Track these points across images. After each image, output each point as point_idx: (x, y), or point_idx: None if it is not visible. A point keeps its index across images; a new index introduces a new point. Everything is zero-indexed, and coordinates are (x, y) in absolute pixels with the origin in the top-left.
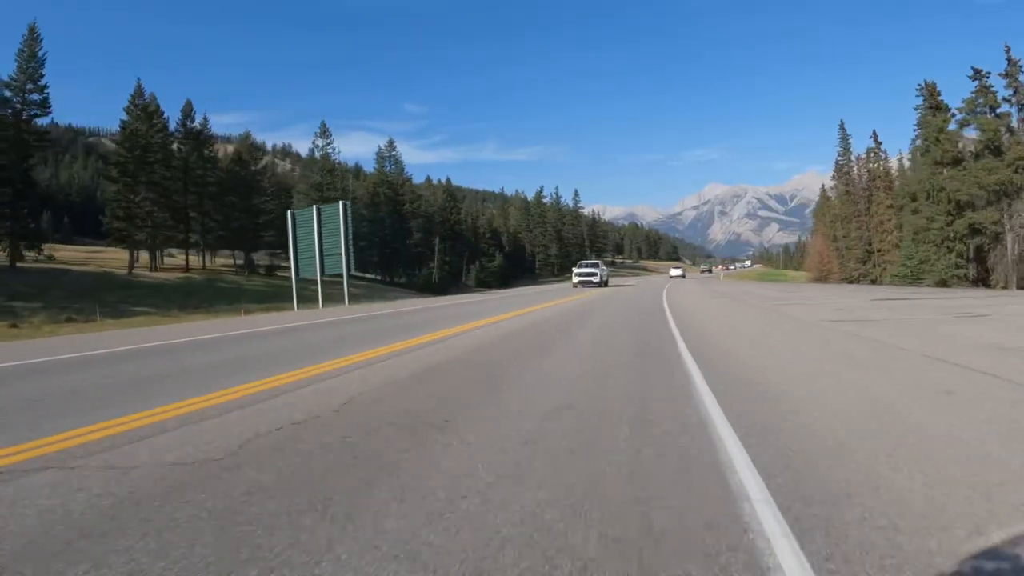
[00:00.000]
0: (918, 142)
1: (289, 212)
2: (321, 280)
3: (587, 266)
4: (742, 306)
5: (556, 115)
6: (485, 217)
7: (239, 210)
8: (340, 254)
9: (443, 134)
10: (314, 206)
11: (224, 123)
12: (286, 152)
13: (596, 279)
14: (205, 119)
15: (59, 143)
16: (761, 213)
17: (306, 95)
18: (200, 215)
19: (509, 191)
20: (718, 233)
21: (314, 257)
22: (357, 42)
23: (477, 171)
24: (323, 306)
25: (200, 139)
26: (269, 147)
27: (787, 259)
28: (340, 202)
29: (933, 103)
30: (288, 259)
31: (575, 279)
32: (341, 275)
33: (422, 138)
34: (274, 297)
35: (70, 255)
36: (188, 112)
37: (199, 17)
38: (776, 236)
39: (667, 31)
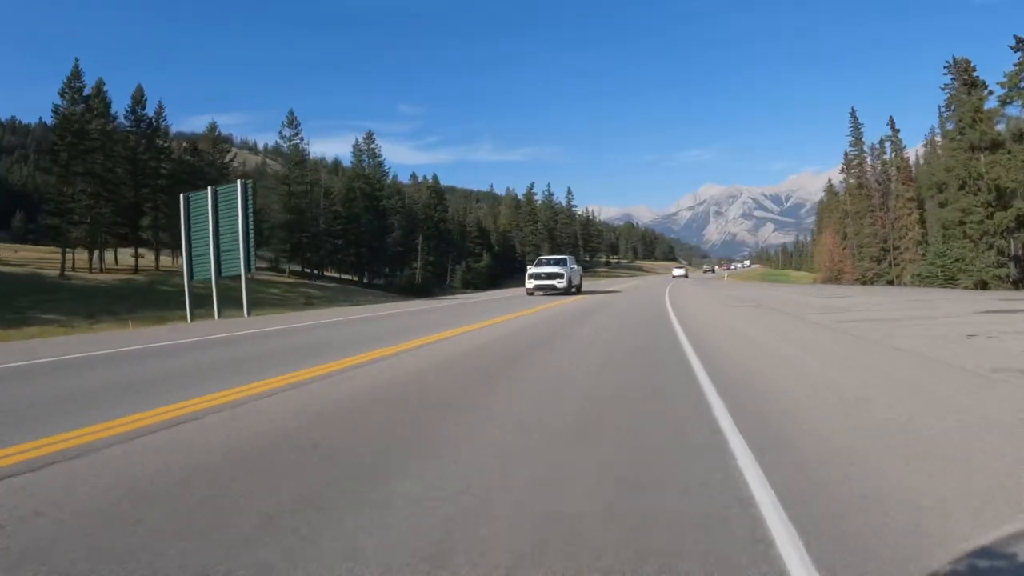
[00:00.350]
0: (942, 127)
1: (182, 195)
2: (248, 280)
3: (548, 264)
4: (800, 324)
5: (551, 116)
6: (474, 216)
7: None
8: (239, 249)
9: (438, 135)
10: (209, 187)
11: (220, 123)
12: (278, 152)
13: (561, 283)
14: (160, 107)
15: (43, 142)
16: (757, 213)
17: (302, 96)
18: (152, 210)
19: (502, 191)
20: (714, 233)
21: (209, 254)
22: (353, 42)
23: (474, 172)
24: (219, 317)
25: (153, 128)
26: (260, 147)
27: (786, 259)
28: (239, 180)
29: (967, 80)
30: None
31: (529, 284)
32: (240, 275)
33: (417, 139)
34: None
35: (27, 255)
36: (139, 99)
37: (196, 17)
38: (771, 236)
39: (664, 32)
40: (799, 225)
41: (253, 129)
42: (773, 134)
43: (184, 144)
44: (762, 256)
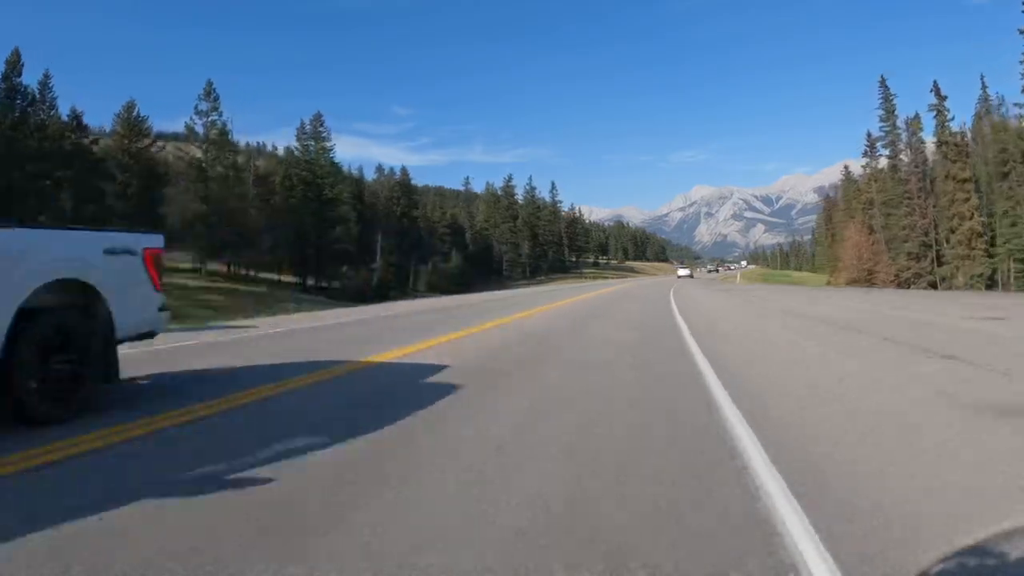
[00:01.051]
0: (984, 100)
1: None
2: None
3: None
4: None
5: (544, 117)
6: (448, 212)
7: (78, 195)
8: None
9: (431, 136)
10: None
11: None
12: (259, 151)
13: None
14: (46, 75)
15: None
16: (747, 214)
17: (296, 97)
18: (30, 197)
19: (483, 189)
20: (704, 234)
21: None
22: (347, 42)
23: (468, 173)
24: None
25: (31, 100)
26: (244, 147)
27: (782, 259)
28: None
29: None
30: None
31: None
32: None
33: (409, 140)
34: None
35: None
36: (15, 64)
37: (187, 20)
38: (762, 237)
39: (663, 33)
40: (789, 226)
41: (241, 131)
42: (765, 135)
43: (67, 120)
44: (756, 256)
